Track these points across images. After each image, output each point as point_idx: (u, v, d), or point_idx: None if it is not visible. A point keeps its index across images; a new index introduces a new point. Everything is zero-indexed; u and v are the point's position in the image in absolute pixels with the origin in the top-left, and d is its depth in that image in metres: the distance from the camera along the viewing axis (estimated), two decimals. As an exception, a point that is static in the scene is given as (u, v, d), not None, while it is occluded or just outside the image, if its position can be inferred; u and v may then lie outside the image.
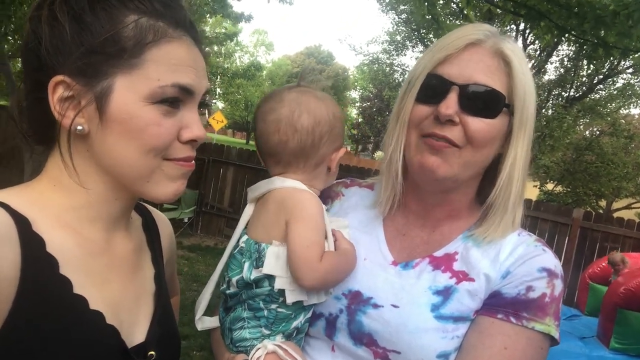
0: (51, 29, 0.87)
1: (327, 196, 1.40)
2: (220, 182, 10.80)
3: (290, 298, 1.14)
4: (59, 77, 0.87)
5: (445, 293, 1.15)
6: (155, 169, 0.93)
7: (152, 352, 1.00)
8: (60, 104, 0.89)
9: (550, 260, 1.16)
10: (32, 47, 0.89)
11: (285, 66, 56.09)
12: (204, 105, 1.02)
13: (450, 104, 1.10)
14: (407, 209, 1.31)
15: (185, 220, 10.31)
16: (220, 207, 10.69)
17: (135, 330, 1.00)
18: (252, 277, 1.16)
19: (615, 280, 7.06)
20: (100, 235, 0.98)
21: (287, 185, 1.22)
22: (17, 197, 0.91)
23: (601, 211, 18.91)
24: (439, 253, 1.22)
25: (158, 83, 0.88)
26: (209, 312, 1.33)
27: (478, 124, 1.12)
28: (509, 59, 1.13)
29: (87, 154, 0.93)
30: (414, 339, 1.11)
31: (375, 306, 1.17)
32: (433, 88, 1.14)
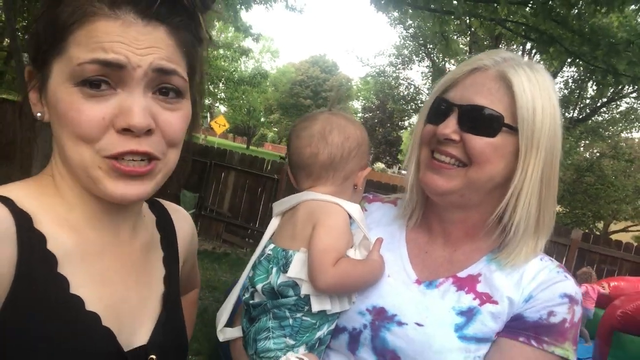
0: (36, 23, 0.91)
1: None
2: (221, 186, 10.80)
3: (315, 306, 1.18)
4: (28, 67, 0.92)
5: (469, 314, 1.18)
6: (92, 162, 0.86)
7: (153, 356, 0.98)
8: (32, 92, 0.92)
9: (571, 286, 1.20)
10: None
11: (289, 74, 56.24)
12: (170, 92, 0.89)
13: (448, 124, 1.18)
14: (428, 227, 1.35)
15: (185, 222, 10.30)
16: (220, 212, 10.69)
17: (137, 332, 0.98)
18: (279, 282, 1.20)
19: (612, 304, 7.07)
20: (102, 234, 0.96)
21: (318, 198, 1.28)
22: (22, 191, 0.91)
23: (598, 233, 18.93)
24: (462, 274, 1.25)
25: (77, 61, 0.82)
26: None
27: (477, 142, 1.17)
28: (511, 82, 1.17)
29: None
30: (438, 357, 1.13)
31: (400, 324, 1.19)
32: (439, 110, 1.23)
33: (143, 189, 0.90)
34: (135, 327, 0.98)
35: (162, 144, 0.90)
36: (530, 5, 4.87)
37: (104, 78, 0.83)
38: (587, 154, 21.31)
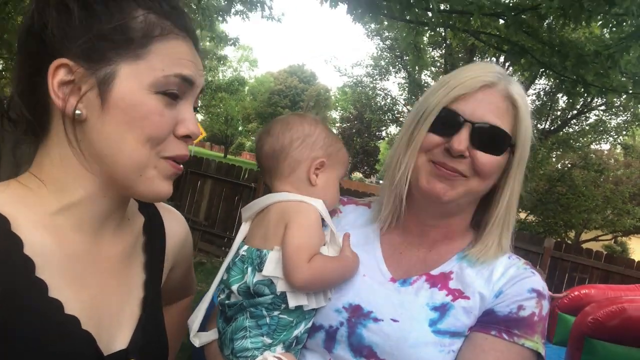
0: (58, 13, 0.88)
1: None
2: (197, 194, 10.67)
3: (291, 302, 1.19)
4: (61, 60, 0.88)
5: (442, 309, 1.21)
6: (149, 163, 0.93)
7: None
8: (60, 88, 0.89)
9: (538, 282, 1.25)
10: (35, 30, 0.89)
11: (267, 83, 56.25)
12: (195, 109, 1.02)
13: (462, 140, 1.21)
14: (405, 229, 1.37)
15: (160, 231, 10.12)
16: (195, 220, 10.54)
17: (117, 336, 0.98)
18: (255, 281, 1.21)
19: (583, 310, 7.21)
20: (84, 237, 0.96)
21: (286, 198, 1.29)
22: (0, 194, 0.90)
23: (569, 241, 19.35)
24: (435, 272, 1.29)
25: (162, 73, 0.90)
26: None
27: (486, 159, 1.22)
28: (517, 103, 1.25)
29: (81, 144, 0.91)
30: (414, 352, 1.16)
31: (376, 320, 1.22)
32: (447, 121, 1.24)
33: (171, 189, 1.00)
34: (115, 331, 0.98)
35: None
36: (502, 17, 5.01)
37: (176, 92, 0.94)
38: (559, 164, 21.84)
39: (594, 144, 20.94)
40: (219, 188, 10.48)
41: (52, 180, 0.93)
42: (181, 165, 0.98)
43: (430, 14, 4.78)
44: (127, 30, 0.89)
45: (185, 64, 0.94)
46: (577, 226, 19.97)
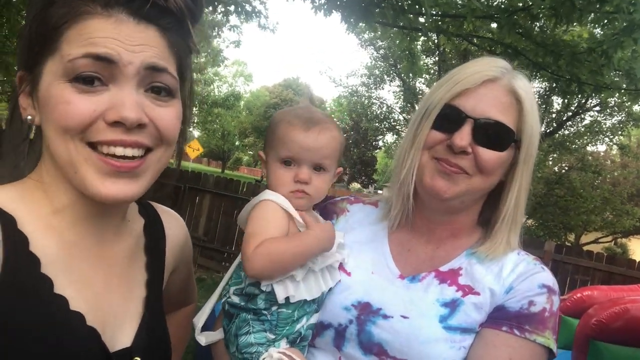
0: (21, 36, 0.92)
1: (332, 212, 1.47)
2: (196, 210, 10.61)
3: (280, 295, 1.18)
4: (20, 72, 0.92)
5: (452, 305, 1.20)
6: (79, 156, 0.86)
7: (138, 358, 0.98)
8: (22, 97, 0.93)
9: (548, 277, 1.23)
10: None
11: (263, 97, 56.47)
12: (162, 91, 0.90)
13: (464, 136, 1.19)
14: (412, 227, 1.37)
15: (159, 248, 10.06)
16: (195, 236, 10.48)
17: (120, 334, 0.98)
18: (247, 282, 1.22)
19: (586, 313, 7.16)
20: (83, 238, 0.96)
21: (254, 202, 1.29)
22: (5, 194, 0.92)
23: (568, 244, 19.31)
24: (444, 268, 1.28)
25: (68, 58, 0.84)
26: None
27: (488, 155, 1.20)
28: (521, 98, 1.22)
29: (47, 149, 0.93)
30: (425, 348, 1.14)
31: (385, 317, 1.21)
32: (449, 118, 1.22)
33: (132, 189, 0.90)
34: (118, 329, 0.98)
35: (155, 137, 0.91)
36: (495, 18, 5.04)
37: (97, 74, 0.84)
38: (556, 167, 21.87)
39: (590, 145, 21.01)
40: (217, 202, 10.42)
41: (44, 184, 0.95)
42: (120, 163, 0.86)
43: (422, 19, 4.81)
44: (45, 25, 0.87)
45: (101, 42, 0.84)
46: (577, 228, 19.97)
